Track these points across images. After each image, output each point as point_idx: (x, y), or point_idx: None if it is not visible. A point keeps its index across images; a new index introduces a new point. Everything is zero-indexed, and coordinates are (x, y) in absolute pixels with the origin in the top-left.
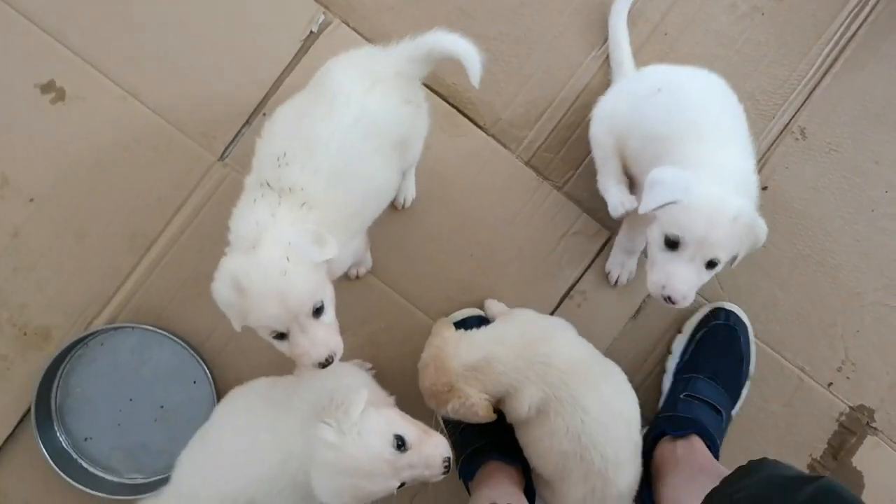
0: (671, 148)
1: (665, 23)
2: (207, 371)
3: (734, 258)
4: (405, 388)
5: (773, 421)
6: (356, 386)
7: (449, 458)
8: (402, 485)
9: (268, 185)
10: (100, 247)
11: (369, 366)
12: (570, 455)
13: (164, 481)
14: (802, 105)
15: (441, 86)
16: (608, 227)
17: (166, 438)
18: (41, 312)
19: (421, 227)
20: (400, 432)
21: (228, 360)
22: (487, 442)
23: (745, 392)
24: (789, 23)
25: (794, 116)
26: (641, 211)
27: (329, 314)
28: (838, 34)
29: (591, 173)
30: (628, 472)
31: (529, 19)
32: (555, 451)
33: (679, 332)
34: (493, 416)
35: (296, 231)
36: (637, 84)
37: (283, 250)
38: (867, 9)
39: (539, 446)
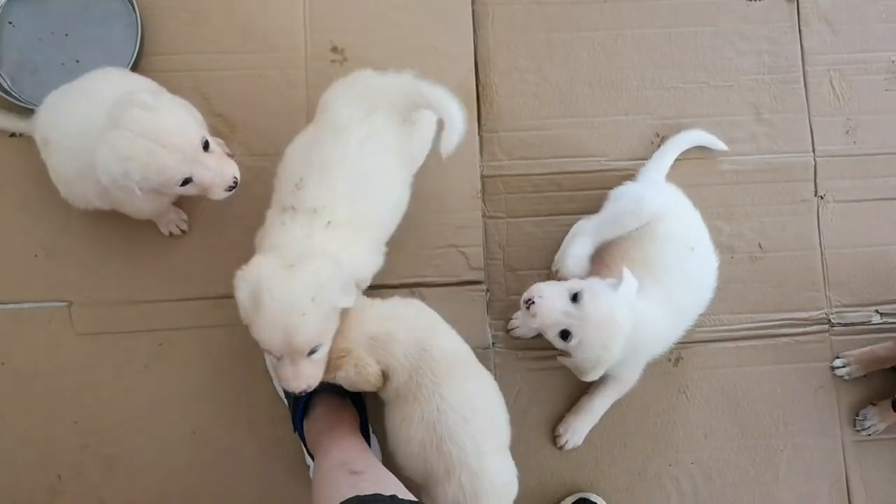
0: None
1: None
2: None
3: None
4: None
5: None
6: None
7: (237, 180)
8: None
9: (292, 208)
10: None
11: None
12: (426, 445)
13: None
14: None
15: None
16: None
17: None
18: None
19: None
20: (208, 138)
21: None
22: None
23: None
24: None
25: None
26: None
27: (322, 351)
28: None
29: None
30: (497, 463)
31: None
32: (413, 441)
33: None
34: (381, 385)
35: (331, 271)
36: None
37: (313, 289)
38: None
39: (399, 434)
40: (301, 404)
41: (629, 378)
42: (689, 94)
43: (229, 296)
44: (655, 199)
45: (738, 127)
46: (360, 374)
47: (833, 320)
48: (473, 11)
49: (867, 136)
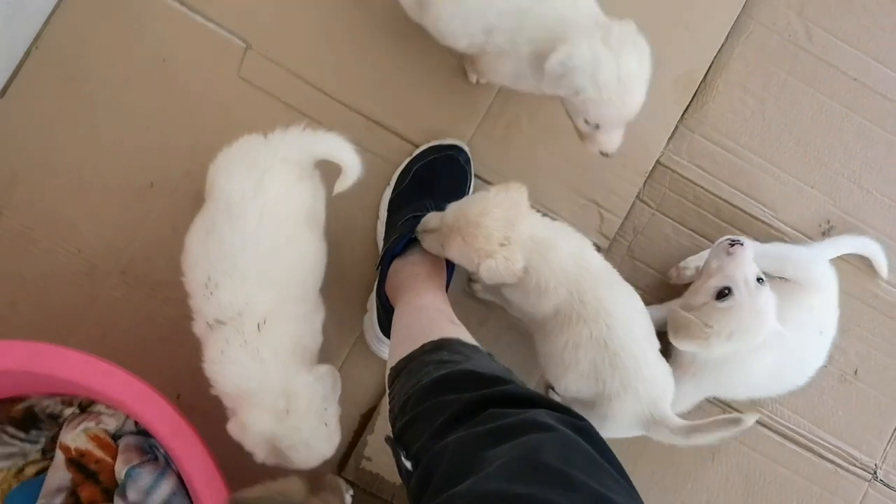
0: None
1: None
2: None
3: None
4: None
5: None
6: None
7: None
8: None
9: (218, 322)
10: None
11: None
12: (598, 364)
13: None
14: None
15: None
16: None
17: None
18: None
19: None
20: None
21: None
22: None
23: None
24: None
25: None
26: None
27: None
28: None
29: None
30: (663, 367)
31: None
32: (584, 362)
33: None
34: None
35: (319, 385)
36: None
37: (319, 415)
38: None
39: (564, 358)
40: (403, 240)
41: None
42: (878, 204)
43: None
44: (827, 270)
45: None
46: (507, 267)
47: (879, 475)
48: (738, 17)
49: None
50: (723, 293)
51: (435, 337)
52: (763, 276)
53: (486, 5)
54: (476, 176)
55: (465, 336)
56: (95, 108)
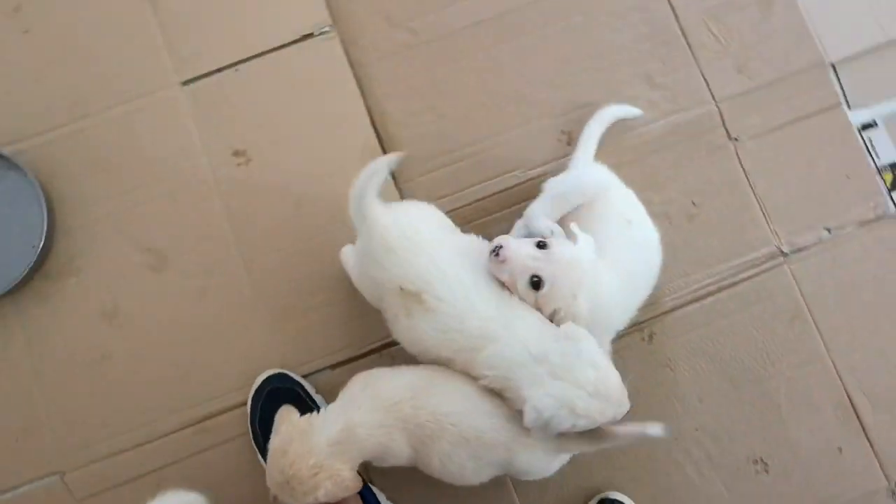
0: None
1: None
2: None
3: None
4: None
5: None
6: None
7: None
8: None
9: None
10: None
11: None
12: (475, 455)
13: None
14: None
15: None
16: None
17: None
18: None
19: None
20: None
21: None
22: None
23: None
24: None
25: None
26: None
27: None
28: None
29: None
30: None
31: None
32: (466, 463)
33: None
34: (361, 485)
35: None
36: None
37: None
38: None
39: (454, 473)
40: None
41: None
42: (580, 85)
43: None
44: (597, 171)
45: (636, 99)
46: (338, 484)
47: (785, 249)
48: (355, 76)
49: (759, 68)
50: (536, 285)
51: None
52: (543, 239)
53: (438, 346)
54: None
55: None
56: None
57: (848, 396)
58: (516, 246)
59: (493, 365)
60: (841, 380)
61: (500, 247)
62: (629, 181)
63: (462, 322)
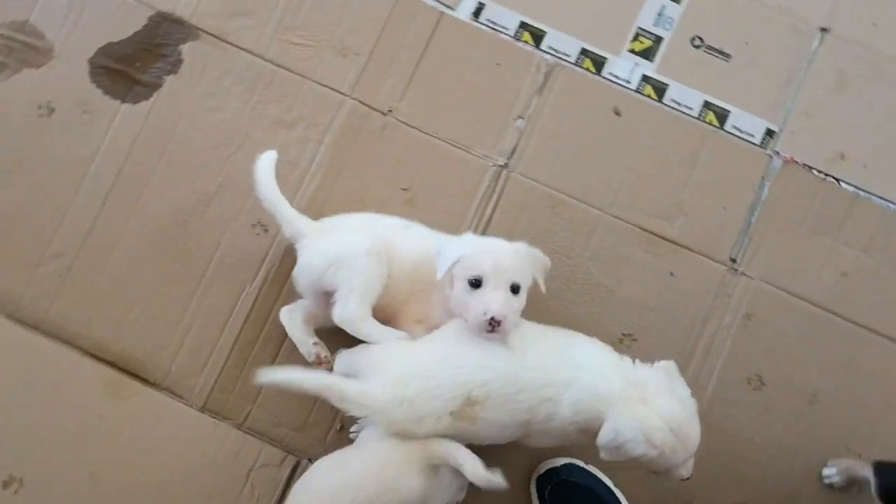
0: None
1: None
2: None
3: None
4: None
5: None
6: None
7: None
8: None
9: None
10: None
11: None
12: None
13: None
14: None
15: (107, 353)
16: (293, 452)
17: None
18: None
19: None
20: None
21: None
22: None
23: None
24: None
25: None
26: (440, 276)
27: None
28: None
29: (270, 402)
30: None
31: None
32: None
33: None
34: None
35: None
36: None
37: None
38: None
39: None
40: None
41: None
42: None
43: None
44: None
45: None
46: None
47: (502, 162)
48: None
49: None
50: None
51: None
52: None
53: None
54: None
55: None
56: None
57: None
58: (502, 307)
59: (580, 409)
60: None
61: (494, 319)
62: None
63: (516, 383)
